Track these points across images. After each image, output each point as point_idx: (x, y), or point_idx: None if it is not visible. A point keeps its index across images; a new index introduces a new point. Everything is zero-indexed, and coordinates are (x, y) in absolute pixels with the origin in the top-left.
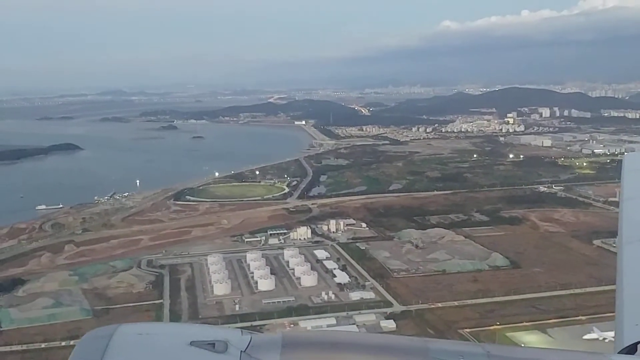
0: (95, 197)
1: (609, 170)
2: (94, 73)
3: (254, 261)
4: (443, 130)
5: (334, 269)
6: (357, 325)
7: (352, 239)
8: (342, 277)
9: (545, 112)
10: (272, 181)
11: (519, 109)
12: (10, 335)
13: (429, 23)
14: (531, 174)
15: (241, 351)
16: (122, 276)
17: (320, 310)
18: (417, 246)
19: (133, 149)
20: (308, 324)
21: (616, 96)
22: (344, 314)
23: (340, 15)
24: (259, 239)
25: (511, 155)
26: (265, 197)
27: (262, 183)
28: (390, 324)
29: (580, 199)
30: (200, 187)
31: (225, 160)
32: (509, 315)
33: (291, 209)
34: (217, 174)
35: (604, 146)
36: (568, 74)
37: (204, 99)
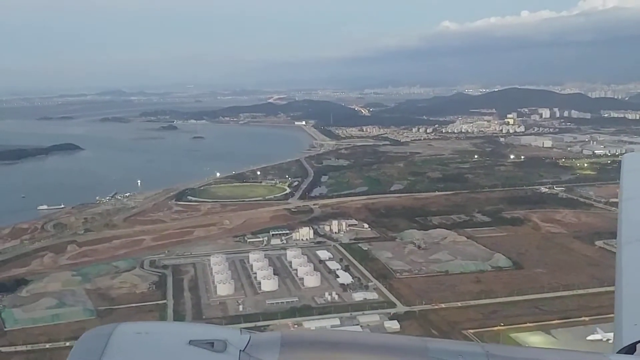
0: (97, 197)
1: (610, 171)
2: (93, 73)
3: (257, 262)
4: (443, 131)
5: (337, 269)
6: (361, 326)
7: (355, 239)
8: (345, 278)
9: (545, 112)
10: (273, 181)
11: (518, 109)
12: (14, 335)
13: (429, 23)
14: (532, 175)
15: (240, 350)
16: (125, 276)
17: (324, 310)
18: (419, 247)
19: (133, 149)
20: (312, 324)
21: (616, 97)
22: (348, 314)
23: (340, 15)
24: (261, 239)
25: (512, 156)
26: (266, 197)
27: (263, 183)
28: (394, 325)
29: (582, 199)
30: (202, 188)
31: (225, 161)
32: (512, 316)
33: (293, 210)
34: (218, 174)
35: (604, 147)
36: (567, 75)
37: (204, 99)
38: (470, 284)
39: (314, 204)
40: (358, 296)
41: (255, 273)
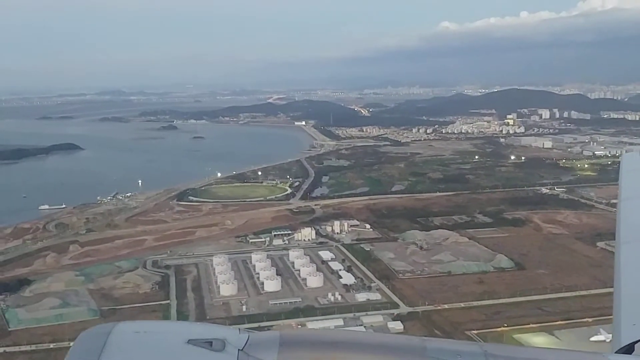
0: (98, 197)
1: (611, 172)
2: (92, 73)
3: (260, 262)
4: (443, 132)
5: (340, 270)
6: (365, 327)
7: (356, 240)
8: (347, 278)
9: (545, 113)
10: (274, 182)
11: (518, 110)
12: (18, 335)
13: (428, 24)
14: (533, 176)
15: (239, 350)
16: (128, 276)
17: (327, 311)
18: (421, 247)
19: (133, 149)
20: (316, 325)
21: (615, 98)
22: (351, 315)
23: (340, 15)
24: (263, 239)
25: (512, 157)
26: (268, 197)
27: (264, 184)
28: (398, 325)
29: (583, 200)
30: (203, 188)
31: (226, 161)
32: (516, 317)
33: (294, 210)
34: (219, 174)
35: (604, 148)
36: (567, 76)
37: (203, 99)
38: (472, 285)
39: (315, 205)
40: (361, 297)
41: (258, 273)
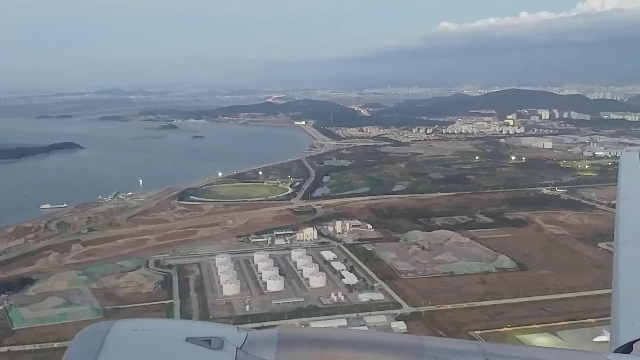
0: (99, 197)
1: (611, 173)
2: (91, 71)
3: (262, 262)
4: (443, 132)
5: (342, 270)
6: (368, 327)
7: (358, 240)
8: (350, 278)
9: (545, 114)
10: (275, 181)
11: (518, 110)
12: (22, 334)
13: (428, 24)
14: (533, 176)
15: (237, 348)
16: (131, 276)
17: (330, 311)
18: (423, 248)
19: (133, 148)
20: (319, 325)
21: (615, 98)
22: (354, 315)
23: (340, 15)
24: (265, 239)
25: (513, 157)
26: (269, 197)
27: (265, 183)
28: (401, 326)
29: (584, 201)
30: (204, 187)
31: (226, 160)
32: (518, 318)
33: (296, 210)
34: (220, 174)
35: (604, 148)
36: (566, 76)
37: (203, 98)
38: (475, 285)
39: (316, 205)
40: (364, 297)
41: (261, 273)
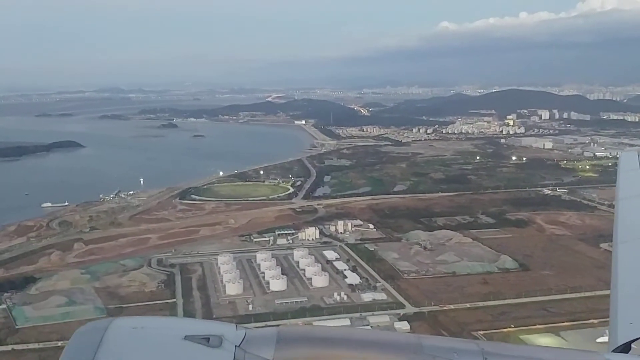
0: (101, 195)
1: (612, 174)
2: (90, 70)
3: (265, 261)
4: (444, 132)
5: (345, 269)
6: (371, 327)
7: (360, 240)
8: (353, 278)
9: (545, 114)
10: (276, 181)
11: (518, 110)
12: (26, 333)
13: (428, 24)
14: (534, 177)
15: (236, 346)
16: (134, 275)
17: (334, 311)
18: (425, 248)
19: (134, 147)
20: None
21: (614, 99)
22: (358, 315)
23: (339, 15)
24: (267, 239)
25: (514, 158)
26: (270, 197)
27: (266, 183)
28: (404, 326)
29: (585, 202)
30: (205, 186)
31: (227, 160)
32: (521, 318)
33: (297, 209)
34: (221, 173)
35: (605, 149)
36: (566, 76)
37: (202, 97)
38: (477, 285)
39: (318, 204)
40: (367, 297)
41: (263, 273)
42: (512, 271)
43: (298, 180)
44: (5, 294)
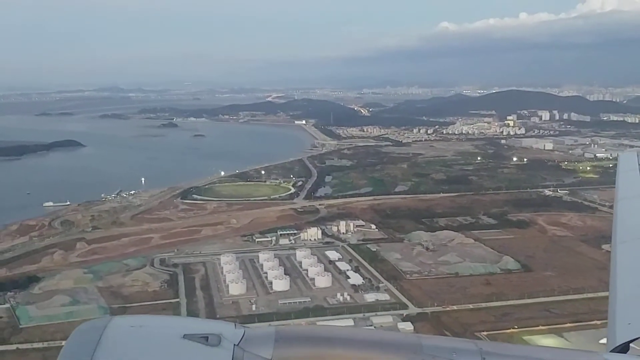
0: (102, 195)
1: (612, 175)
2: (90, 69)
3: (267, 261)
4: (444, 132)
5: (347, 270)
6: (375, 327)
7: (362, 240)
8: (356, 279)
9: (545, 115)
10: (277, 181)
11: (518, 111)
12: (30, 332)
13: (428, 24)
14: (535, 178)
15: (234, 345)
16: (137, 274)
17: (337, 311)
18: (427, 248)
19: (134, 147)
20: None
21: (614, 100)
22: (361, 315)
23: (339, 15)
24: (269, 239)
25: (514, 158)
26: (272, 197)
27: (267, 183)
28: (408, 326)
29: (586, 203)
30: (206, 186)
31: (228, 159)
32: (524, 319)
33: (299, 210)
34: (222, 172)
35: (605, 150)
36: (565, 77)
37: (202, 97)
38: (480, 286)
39: (319, 204)
40: (370, 297)
41: (266, 273)
42: (515, 272)
43: (299, 181)
44: (9, 293)
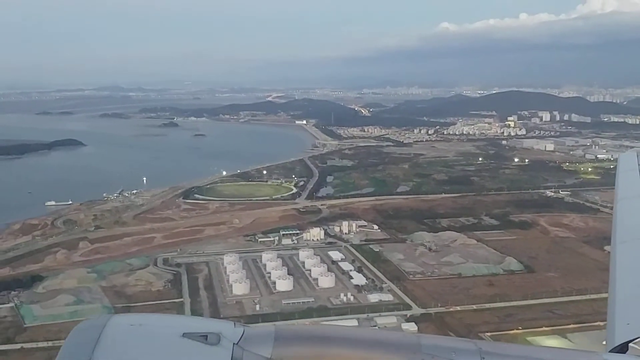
0: (104, 194)
1: (614, 176)
2: (90, 68)
3: (270, 261)
4: (445, 133)
5: (350, 270)
6: (379, 327)
7: (365, 240)
8: (359, 279)
9: (546, 116)
10: (279, 181)
11: (518, 112)
12: (34, 331)
13: (428, 24)
14: (537, 178)
15: (234, 343)
16: (140, 274)
17: (340, 311)
18: (430, 249)
19: (135, 146)
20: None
21: (614, 101)
22: (365, 315)
23: (339, 15)
24: (272, 239)
25: (516, 159)
26: (273, 196)
27: (269, 183)
28: (412, 327)
29: (588, 204)
30: (208, 186)
31: (229, 159)
32: (528, 320)
33: (301, 210)
34: (224, 172)
35: (606, 151)
36: (565, 78)
37: (202, 97)
38: (483, 287)
39: (321, 204)
40: (373, 297)
41: (269, 273)
42: (518, 273)
43: (301, 181)
44: (13, 292)
